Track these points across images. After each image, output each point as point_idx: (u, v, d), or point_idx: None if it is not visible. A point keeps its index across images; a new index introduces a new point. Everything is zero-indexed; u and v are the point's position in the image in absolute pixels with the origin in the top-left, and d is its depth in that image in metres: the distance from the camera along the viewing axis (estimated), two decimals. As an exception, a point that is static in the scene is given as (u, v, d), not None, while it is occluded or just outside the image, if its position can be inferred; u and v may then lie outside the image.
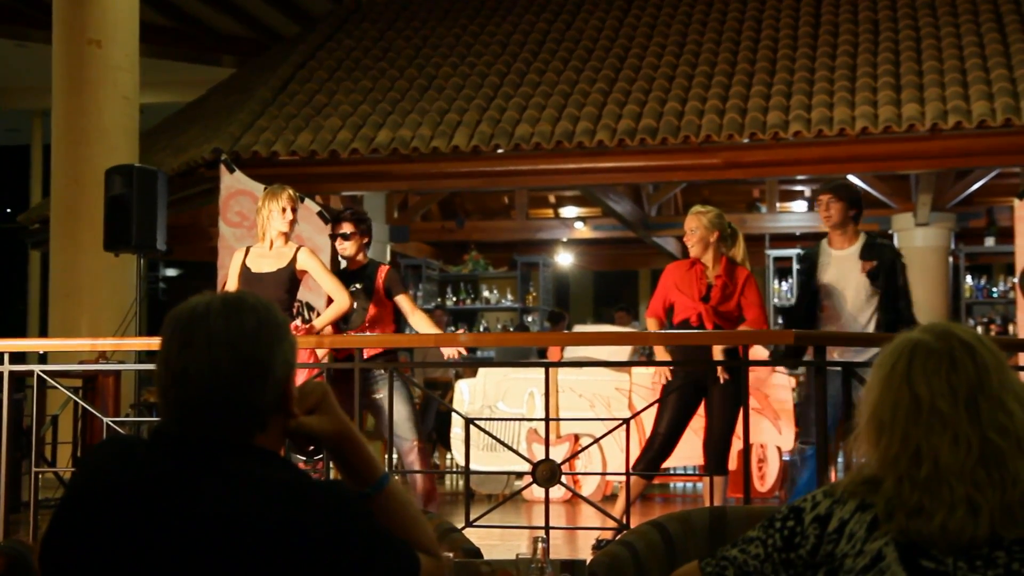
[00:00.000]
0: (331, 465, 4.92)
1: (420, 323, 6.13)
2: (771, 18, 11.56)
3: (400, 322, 6.26)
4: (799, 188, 14.29)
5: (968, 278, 13.01)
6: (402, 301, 6.15)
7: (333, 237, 6.34)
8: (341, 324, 6.00)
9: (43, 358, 10.31)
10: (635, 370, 8.03)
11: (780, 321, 12.72)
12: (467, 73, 11.21)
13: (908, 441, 1.81)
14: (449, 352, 6.14)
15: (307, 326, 5.93)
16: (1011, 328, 12.09)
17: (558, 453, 7.51)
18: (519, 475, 8.09)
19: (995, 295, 13.01)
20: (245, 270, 5.93)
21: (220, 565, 1.63)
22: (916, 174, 11.08)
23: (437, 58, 11.63)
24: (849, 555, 1.83)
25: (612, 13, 12.13)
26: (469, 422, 5.32)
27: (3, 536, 5.25)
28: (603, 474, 7.77)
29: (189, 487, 1.67)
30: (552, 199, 15.66)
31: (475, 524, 4.91)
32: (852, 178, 9.48)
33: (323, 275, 5.93)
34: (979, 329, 12.07)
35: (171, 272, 22.33)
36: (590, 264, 17.23)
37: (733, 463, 6.12)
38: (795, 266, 12.79)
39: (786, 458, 8.17)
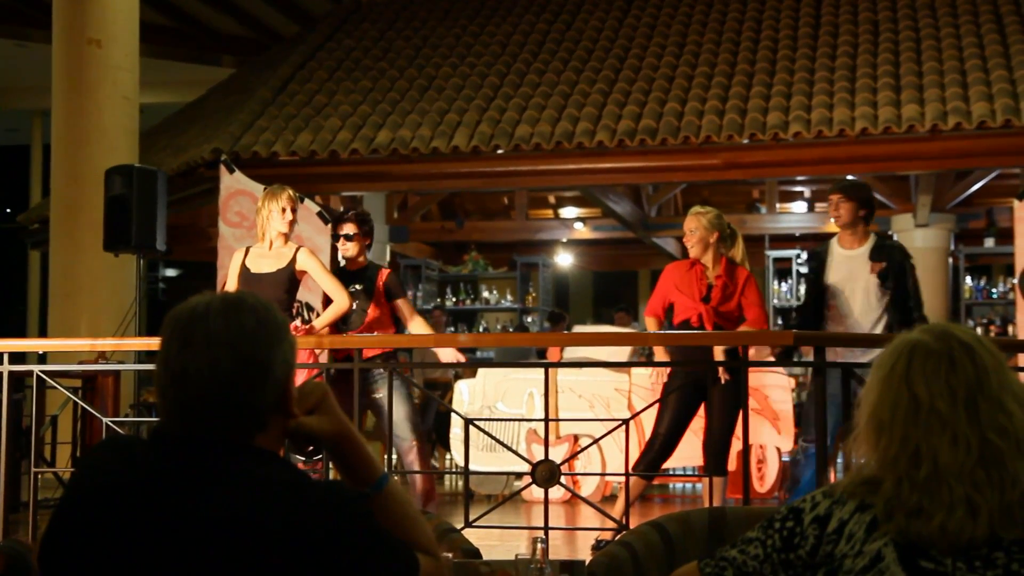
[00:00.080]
0: (331, 465, 4.92)
1: (419, 328, 6.17)
2: (771, 19, 11.56)
3: (399, 324, 6.27)
4: (799, 189, 14.29)
5: (968, 279, 13.01)
6: (402, 305, 6.18)
7: (335, 237, 6.34)
8: (340, 325, 6.01)
9: (42, 358, 10.32)
10: (634, 371, 8.02)
11: (780, 322, 12.72)
12: (467, 73, 11.21)
13: (907, 442, 1.81)
14: (448, 357, 6.15)
15: (307, 326, 5.93)
16: (1011, 329, 12.08)
17: (557, 454, 7.51)
18: (518, 475, 8.08)
19: (995, 296, 13.00)
20: (245, 270, 5.93)
21: (220, 565, 1.63)
22: (916, 175, 11.07)
23: (437, 58, 11.63)
24: (848, 556, 1.83)
25: (612, 13, 12.13)
26: (468, 422, 5.31)
27: (3, 536, 5.24)
28: (602, 475, 7.77)
29: (188, 487, 1.66)
30: (552, 199, 15.65)
31: (474, 524, 4.90)
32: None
33: (323, 275, 5.94)
34: (979, 330, 12.07)
35: (171, 272, 22.33)
36: (590, 264, 17.21)
37: (732, 464, 6.12)
38: (795, 266, 12.84)
39: (785, 459, 8.18)
